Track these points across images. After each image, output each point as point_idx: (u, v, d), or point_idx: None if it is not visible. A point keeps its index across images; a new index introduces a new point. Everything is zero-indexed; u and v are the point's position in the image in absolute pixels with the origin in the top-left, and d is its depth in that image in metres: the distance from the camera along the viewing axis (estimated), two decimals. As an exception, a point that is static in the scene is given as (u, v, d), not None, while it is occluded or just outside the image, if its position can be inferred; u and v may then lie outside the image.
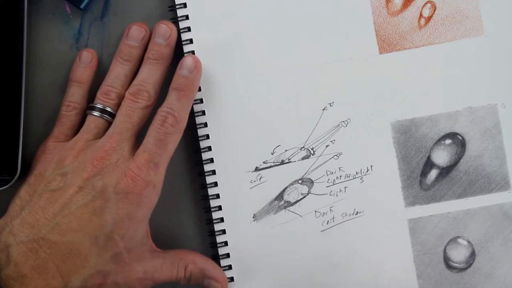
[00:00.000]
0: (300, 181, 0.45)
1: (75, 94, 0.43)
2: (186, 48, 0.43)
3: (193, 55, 0.42)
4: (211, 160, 0.44)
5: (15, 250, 0.38)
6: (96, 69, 0.44)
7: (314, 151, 0.45)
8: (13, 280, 0.38)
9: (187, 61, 0.42)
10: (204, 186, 0.44)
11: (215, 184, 0.44)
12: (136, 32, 0.42)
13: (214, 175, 0.44)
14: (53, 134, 0.43)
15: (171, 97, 0.41)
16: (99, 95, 0.42)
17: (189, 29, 0.43)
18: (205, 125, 0.43)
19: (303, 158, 0.45)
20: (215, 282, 0.43)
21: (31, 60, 0.45)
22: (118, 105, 0.42)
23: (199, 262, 0.43)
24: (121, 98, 0.42)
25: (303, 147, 0.45)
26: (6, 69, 0.42)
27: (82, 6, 0.43)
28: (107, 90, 0.42)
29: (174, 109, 0.41)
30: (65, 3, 0.44)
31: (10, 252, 0.38)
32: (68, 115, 0.42)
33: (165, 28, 0.42)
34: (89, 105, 0.42)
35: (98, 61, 0.44)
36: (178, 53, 0.43)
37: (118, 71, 0.42)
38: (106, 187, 0.39)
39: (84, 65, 0.43)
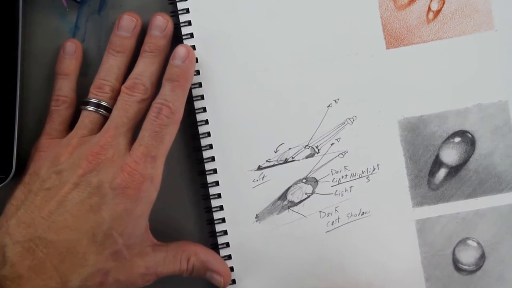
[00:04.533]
0: (304, 181, 0.44)
1: (63, 87, 0.43)
2: (187, 42, 0.43)
3: (185, 44, 0.43)
4: (212, 159, 0.44)
5: (11, 250, 0.38)
6: (82, 59, 0.44)
7: (318, 150, 0.44)
8: (9, 281, 0.38)
9: (179, 50, 0.42)
10: (205, 186, 0.44)
11: (217, 183, 0.44)
12: (127, 22, 0.42)
13: (215, 174, 0.44)
14: (45, 131, 0.43)
15: (165, 88, 0.41)
16: (92, 89, 0.42)
17: (189, 23, 0.43)
18: (206, 122, 0.43)
19: (307, 157, 0.44)
20: (217, 276, 0.43)
21: (27, 55, 0.44)
22: (112, 99, 0.42)
23: (201, 254, 0.43)
24: (115, 91, 0.42)
25: (307, 145, 0.44)
26: (0, 65, 0.42)
27: (79, -1, 0.42)
28: (100, 83, 0.42)
29: (169, 100, 0.41)
30: (62, -4, 0.44)
31: (6, 252, 0.38)
32: (58, 109, 0.43)
33: (161, 20, 0.42)
34: (83, 100, 0.42)
35: (93, 54, 0.44)
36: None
37: (110, 63, 0.42)
38: (102, 183, 0.39)
39: (69, 56, 0.43)
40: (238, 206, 0.44)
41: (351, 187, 0.44)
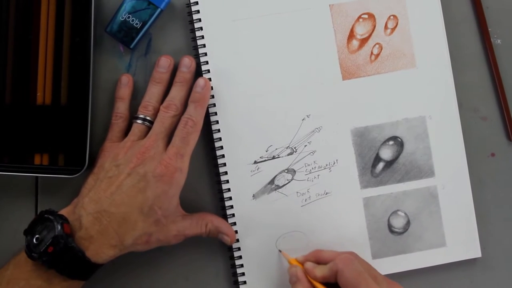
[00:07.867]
0: (286, 171, 0.48)
1: (120, 107, 0.48)
2: (205, 76, 0.48)
3: (204, 77, 0.46)
4: (223, 156, 0.48)
5: (85, 219, 0.43)
6: (133, 88, 0.48)
7: (296, 149, 0.48)
8: (84, 239, 0.42)
9: (199, 81, 0.46)
10: (218, 174, 0.48)
11: (226, 172, 0.48)
12: (164, 62, 0.47)
13: (225, 166, 0.48)
14: (108, 137, 0.48)
15: (190, 107, 0.46)
16: (140, 108, 0.47)
17: (207, 62, 0.48)
18: (218, 130, 0.48)
19: (288, 154, 0.48)
20: (225, 236, 0.48)
21: (96, 85, 0.49)
22: (154, 115, 0.46)
23: (215, 221, 0.47)
24: (156, 110, 0.46)
25: (288, 146, 0.48)
26: (78, 91, 0.47)
27: (132, 46, 0.48)
28: (146, 104, 0.47)
29: (192, 115, 0.45)
30: (119, 44, 0.49)
31: (82, 220, 0.43)
32: (117, 123, 0.47)
33: (187, 60, 0.48)
34: (134, 116, 0.47)
35: (141, 84, 0.48)
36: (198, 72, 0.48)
37: (152, 91, 0.47)
38: (147, 172, 0.43)
39: (124, 85, 0.48)
40: (241, 188, 0.48)
41: (318, 175, 0.48)
